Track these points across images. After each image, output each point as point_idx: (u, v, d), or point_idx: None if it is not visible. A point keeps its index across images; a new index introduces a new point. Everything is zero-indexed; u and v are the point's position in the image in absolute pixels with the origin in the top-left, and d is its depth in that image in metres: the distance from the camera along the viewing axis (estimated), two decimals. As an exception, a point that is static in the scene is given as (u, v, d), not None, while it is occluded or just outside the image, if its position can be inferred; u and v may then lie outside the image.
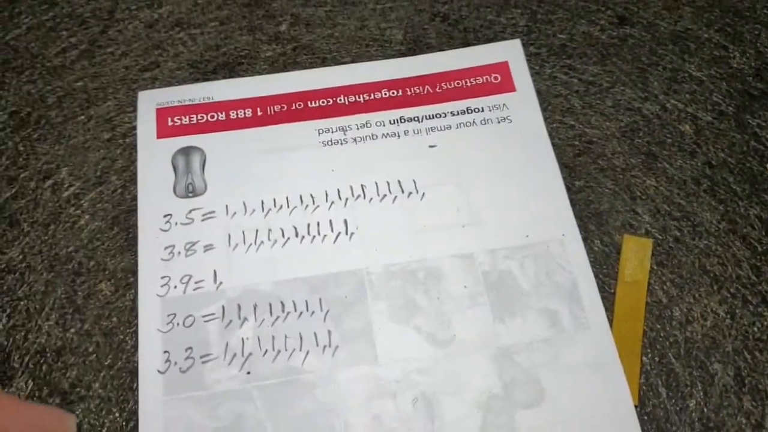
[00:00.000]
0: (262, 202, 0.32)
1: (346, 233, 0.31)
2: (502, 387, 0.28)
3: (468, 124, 0.34)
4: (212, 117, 0.34)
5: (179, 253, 0.31)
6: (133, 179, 0.33)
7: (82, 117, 0.35)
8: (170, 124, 0.34)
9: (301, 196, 0.32)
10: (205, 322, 0.29)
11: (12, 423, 0.24)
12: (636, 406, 0.28)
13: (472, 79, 0.35)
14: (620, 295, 0.30)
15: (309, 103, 0.34)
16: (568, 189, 0.32)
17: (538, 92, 0.35)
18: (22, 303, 0.30)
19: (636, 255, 0.31)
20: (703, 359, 0.29)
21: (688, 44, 0.37)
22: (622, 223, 0.32)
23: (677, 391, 0.29)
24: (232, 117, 0.34)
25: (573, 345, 0.29)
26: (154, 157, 0.33)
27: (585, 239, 0.31)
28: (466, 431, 0.27)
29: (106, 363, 0.29)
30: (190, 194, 0.32)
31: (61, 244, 0.31)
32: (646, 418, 0.28)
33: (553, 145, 0.33)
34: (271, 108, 0.34)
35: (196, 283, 0.30)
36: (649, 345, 0.30)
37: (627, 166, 0.34)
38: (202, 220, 0.31)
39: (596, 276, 0.31)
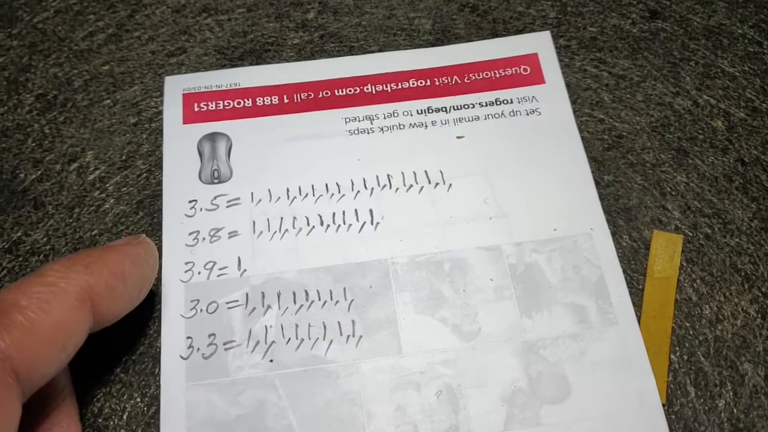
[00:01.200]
0: (288, 190, 0.32)
1: (372, 223, 0.31)
2: (527, 381, 0.28)
3: (496, 115, 0.33)
4: (239, 103, 0.34)
5: (204, 239, 0.30)
6: (158, 164, 0.33)
7: (109, 101, 0.34)
8: (196, 109, 0.33)
9: (326, 185, 0.32)
10: (228, 308, 0.29)
11: (118, 267, 0.25)
12: (663, 405, 0.28)
13: (501, 71, 0.35)
14: (649, 291, 0.30)
15: (336, 91, 0.34)
16: (597, 183, 0.32)
17: (568, 85, 0.35)
18: (45, 285, 0.30)
19: (666, 251, 0.31)
20: (733, 359, 0.29)
21: (722, 39, 0.36)
22: (652, 219, 0.32)
23: (706, 391, 0.28)
24: (258, 104, 0.34)
25: (600, 341, 0.29)
26: (179, 143, 0.33)
27: (613, 234, 0.31)
28: (490, 425, 0.27)
29: (129, 348, 0.29)
30: (216, 180, 0.32)
31: (85, 228, 0.31)
32: (673, 417, 0.28)
33: (582, 138, 0.33)
34: (298, 95, 0.34)
35: (220, 269, 0.30)
36: (678, 343, 0.29)
37: (657, 162, 0.33)
38: (227, 207, 0.31)
39: (624, 272, 0.30)
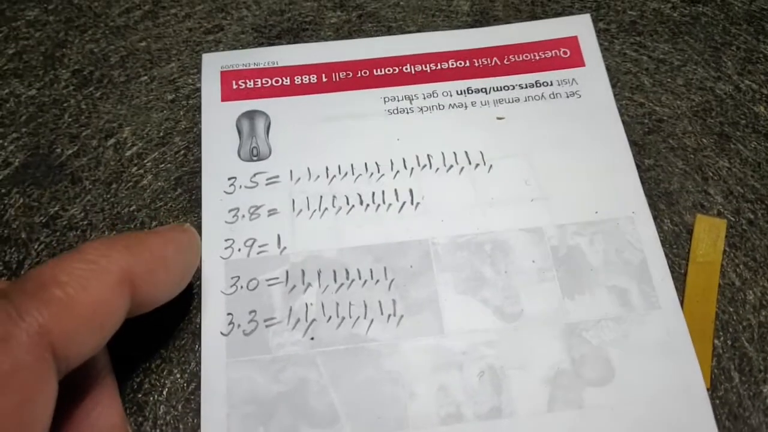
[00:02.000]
0: (327, 169, 0.31)
1: (412, 203, 0.31)
2: (570, 363, 0.27)
3: (536, 97, 0.33)
4: (277, 82, 0.33)
5: (243, 216, 0.30)
6: (196, 141, 0.32)
7: (145, 77, 0.34)
8: (235, 87, 0.33)
9: (366, 164, 0.31)
10: (268, 286, 0.29)
11: (160, 251, 0.25)
12: (708, 390, 0.27)
13: (540, 53, 0.34)
14: (692, 275, 0.30)
15: (375, 71, 0.34)
16: (638, 167, 0.32)
17: (608, 68, 0.34)
18: (83, 260, 0.30)
19: (709, 235, 0.30)
20: (777, 344, 0.28)
21: (764, 24, 0.36)
22: (693, 204, 0.31)
23: (750, 376, 0.28)
24: (296, 82, 0.33)
25: (643, 324, 0.28)
26: (218, 120, 0.32)
27: (655, 218, 0.31)
28: (534, 406, 0.27)
29: (168, 324, 0.29)
30: (255, 158, 0.31)
31: (123, 203, 0.31)
32: (718, 402, 0.27)
33: (623, 122, 0.33)
34: (337, 74, 0.34)
35: (260, 246, 0.30)
36: (722, 328, 0.29)
37: (698, 146, 0.33)
38: (266, 185, 0.31)
39: (666, 256, 0.30)
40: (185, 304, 0.29)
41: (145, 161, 0.32)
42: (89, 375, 0.24)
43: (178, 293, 0.26)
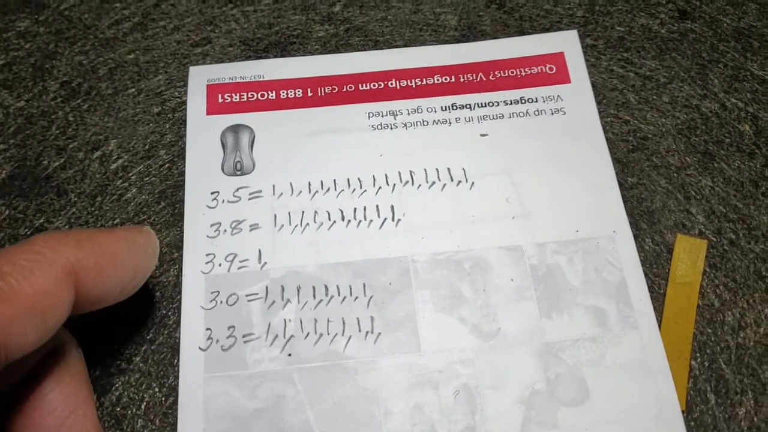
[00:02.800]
0: (309, 184, 0.31)
1: (393, 219, 0.31)
2: (545, 383, 0.28)
3: (521, 114, 0.33)
4: (262, 96, 0.34)
5: (225, 231, 0.30)
6: (181, 154, 0.33)
7: (133, 90, 0.34)
8: (220, 101, 0.33)
9: (348, 180, 0.32)
10: (248, 301, 0.29)
11: (110, 247, 0.25)
12: (683, 412, 0.27)
13: (526, 69, 0.34)
14: (671, 296, 0.30)
15: (360, 85, 0.34)
16: (621, 185, 0.32)
17: (593, 85, 0.34)
18: (67, 273, 0.30)
19: (689, 256, 0.30)
20: (754, 367, 0.28)
21: (752, 42, 0.36)
22: (675, 223, 0.31)
23: (726, 398, 0.28)
24: (282, 97, 0.34)
25: (620, 345, 0.28)
26: (203, 134, 0.33)
27: (636, 237, 0.31)
28: (508, 426, 0.27)
29: (148, 337, 0.29)
30: (238, 172, 0.32)
31: (107, 216, 0.31)
32: (693, 424, 0.27)
33: (607, 139, 0.33)
34: (322, 89, 0.34)
35: (240, 262, 0.30)
36: (699, 349, 0.29)
37: (682, 165, 0.33)
38: (249, 199, 0.31)
39: (646, 275, 0.30)
40: (165, 319, 0.29)
41: (130, 174, 0.32)
42: (64, 383, 0.25)
43: (129, 294, 0.26)
